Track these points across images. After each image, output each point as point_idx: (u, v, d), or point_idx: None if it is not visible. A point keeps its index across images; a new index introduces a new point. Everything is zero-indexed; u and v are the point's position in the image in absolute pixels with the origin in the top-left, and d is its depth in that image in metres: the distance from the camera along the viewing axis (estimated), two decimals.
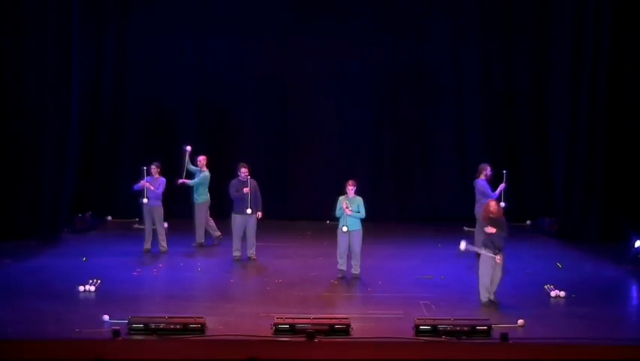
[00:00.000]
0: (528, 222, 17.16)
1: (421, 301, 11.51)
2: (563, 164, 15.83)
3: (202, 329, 10.18)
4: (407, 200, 17.69)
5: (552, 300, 11.90)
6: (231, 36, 17.23)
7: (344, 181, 12.96)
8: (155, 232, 14.44)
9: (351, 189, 12.83)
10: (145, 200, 14.30)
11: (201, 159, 14.84)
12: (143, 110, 17.33)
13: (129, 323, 10.17)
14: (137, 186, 14.44)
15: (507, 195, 14.12)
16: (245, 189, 13.78)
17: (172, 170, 14.91)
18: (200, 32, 17.34)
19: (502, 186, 14.09)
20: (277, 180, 17.25)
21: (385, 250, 14.65)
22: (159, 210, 14.42)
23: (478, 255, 11.83)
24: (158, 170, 14.47)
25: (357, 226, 12.87)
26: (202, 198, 14.77)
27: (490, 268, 11.41)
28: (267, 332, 10.17)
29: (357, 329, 10.30)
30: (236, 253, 14.01)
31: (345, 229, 12.73)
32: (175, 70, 17.35)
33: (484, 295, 11.48)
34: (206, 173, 14.77)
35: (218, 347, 9.81)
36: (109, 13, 17.11)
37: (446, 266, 13.63)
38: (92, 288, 11.94)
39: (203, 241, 14.86)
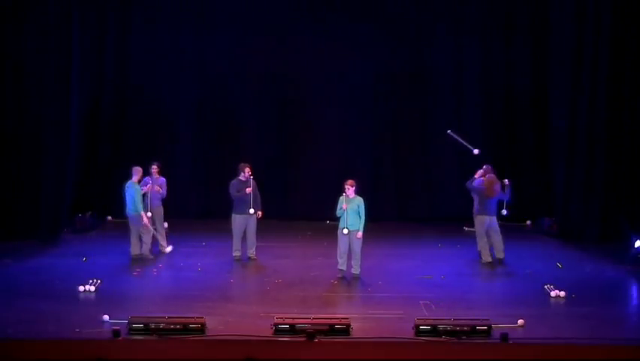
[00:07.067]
0: (528, 222, 17.14)
1: (421, 301, 11.51)
2: (563, 164, 15.82)
3: (202, 329, 10.17)
4: (407, 200, 17.68)
5: (552, 300, 11.89)
6: (232, 35, 17.22)
7: (344, 181, 12.96)
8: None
9: (349, 188, 12.82)
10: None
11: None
12: (143, 110, 17.31)
13: (129, 323, 10.16)
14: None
15: (508, 202, 14.09)
16: (247, 189, 13.76)
17: (172, 170, 14.88)
18: (201, 32, 17.35)
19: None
20: (277, 179, 17.21)
21: (385, 250, 14.64)
22: (159, 211, 14.41)
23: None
24: (158, 170, 14.46)
25: (358, 225, 12.86)
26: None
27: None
28: (266, 332, 10.16)
29: (357, 329, 10.29)
30: (236, 253, 14.00)
31: (345, 231, 12.72)
32: (175, 70, 17.35)
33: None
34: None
35: (218, 347, 9.81)
36: (109, 12, 17.09)
37: (446, 266, 13.65)
38: (92, 288, 11.94)
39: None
